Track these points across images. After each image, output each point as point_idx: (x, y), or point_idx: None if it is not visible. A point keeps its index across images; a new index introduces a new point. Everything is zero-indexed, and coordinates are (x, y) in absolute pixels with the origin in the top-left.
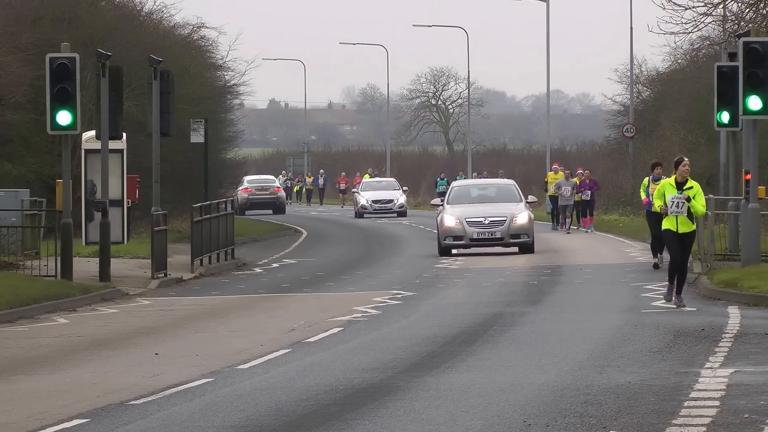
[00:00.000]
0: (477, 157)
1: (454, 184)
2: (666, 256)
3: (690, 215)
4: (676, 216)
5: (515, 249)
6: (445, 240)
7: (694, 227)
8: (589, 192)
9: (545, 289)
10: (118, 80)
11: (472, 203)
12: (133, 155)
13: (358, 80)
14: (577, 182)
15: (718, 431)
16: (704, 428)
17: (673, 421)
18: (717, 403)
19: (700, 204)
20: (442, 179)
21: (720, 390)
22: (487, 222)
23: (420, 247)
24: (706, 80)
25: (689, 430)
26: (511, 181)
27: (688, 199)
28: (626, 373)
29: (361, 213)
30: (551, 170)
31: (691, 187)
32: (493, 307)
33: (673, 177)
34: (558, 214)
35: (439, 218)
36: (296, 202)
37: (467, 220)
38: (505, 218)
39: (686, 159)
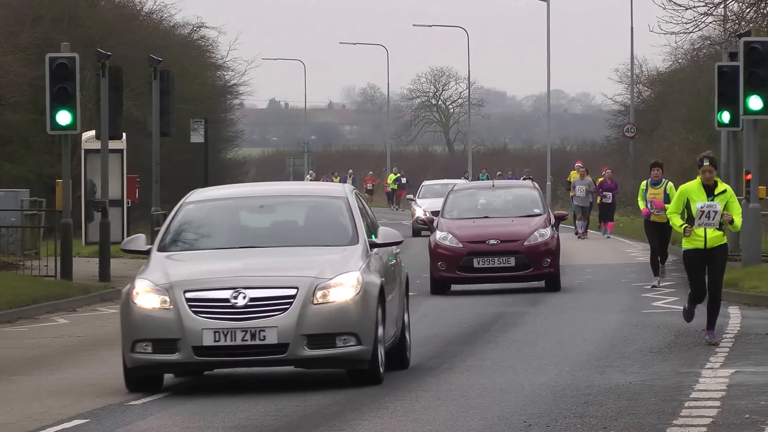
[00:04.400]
0: (477, 156)
1: None
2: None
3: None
4: (705, 228)
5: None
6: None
7: (725, 239)
8: (611, 194)
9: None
10: (118, 80)
11: None
12: (133, 155)
13: (358, 80)
14: (596, 182)
15: (719, 431)
16: (705, 428)
17: (674, 422)
18: (718, 403)
19: (738, 216)
20: (465, 178)
21: (720, 390)
22: None
23: (421, 246)
24: (706, 80)
25: (690, 431)
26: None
27: (730, 223)
28: (627, 373)
29: (418, 229)
30: (575, 168)
31: (725, 191)
32: (493, 307)
33: (698, 179)
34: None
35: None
36: None
37: None
38: None
39: (706, 162)
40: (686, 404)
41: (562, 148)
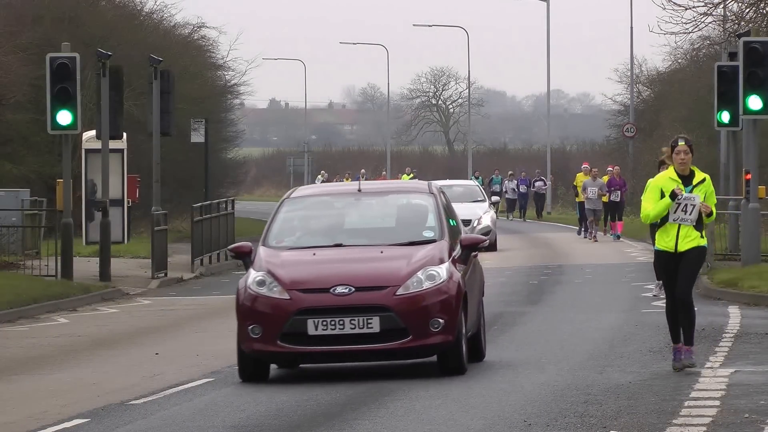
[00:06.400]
0: (477, 156)
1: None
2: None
3: (699, 222)
4: (679, 225)
5: None
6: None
7: (704, 242)
8: (619, 192)
9: (545, 288)
10: (118, 80)
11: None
12: (133, 155)
13: (358, 80)
14: (605, 180)
15: (719, 431)
16: (704, 428)
17: (674, 421)
18: (717, 402)
19: (713, 206)
20: (476, 177)
21: (720, 390)
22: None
23: None
24: (706, 80)
25: (689, 430)
26: None
27: (708, 215)
28: (626, 372)
29: None
30: (581, 170)
31: (704, 180)
32: (493, 306)
33: (669, 169)
34: (583, 219)
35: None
36: None
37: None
38: None
39: (681, 142)
40: (686, 404)
41: (562, 148)
